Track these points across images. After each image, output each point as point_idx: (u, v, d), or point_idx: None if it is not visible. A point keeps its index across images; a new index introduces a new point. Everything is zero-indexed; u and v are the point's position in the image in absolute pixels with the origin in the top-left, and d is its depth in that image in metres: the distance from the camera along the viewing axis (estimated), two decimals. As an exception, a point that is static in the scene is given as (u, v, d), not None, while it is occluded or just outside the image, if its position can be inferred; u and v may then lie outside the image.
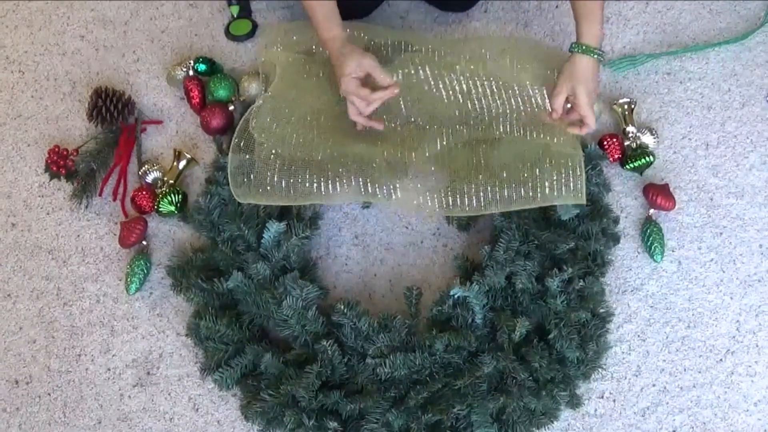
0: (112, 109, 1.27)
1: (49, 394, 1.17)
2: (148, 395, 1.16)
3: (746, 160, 1.23)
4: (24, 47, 1.42)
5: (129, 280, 1.18)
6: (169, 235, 1.24)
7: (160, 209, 1.22)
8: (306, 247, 1.18)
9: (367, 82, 1.11)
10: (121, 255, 1.23)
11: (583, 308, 1.08)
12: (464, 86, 1.21)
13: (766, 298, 1.14)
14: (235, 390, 1.11)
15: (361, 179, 1.12)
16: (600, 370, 1.09)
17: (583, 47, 1.11)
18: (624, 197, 1.21)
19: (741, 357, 1.12)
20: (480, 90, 1.21)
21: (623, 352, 1.12)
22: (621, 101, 1.25)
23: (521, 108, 1.18)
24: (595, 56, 1.11)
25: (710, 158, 1.23)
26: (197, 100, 1.29)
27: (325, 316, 1.11)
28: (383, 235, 1.22)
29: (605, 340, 1.09)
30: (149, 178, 1.25)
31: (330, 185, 1.12)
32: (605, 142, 1.21)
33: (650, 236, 1.15)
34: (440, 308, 1.10)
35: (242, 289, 1.12)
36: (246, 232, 1.14)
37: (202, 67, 1.31)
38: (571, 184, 1.09)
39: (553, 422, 1.06)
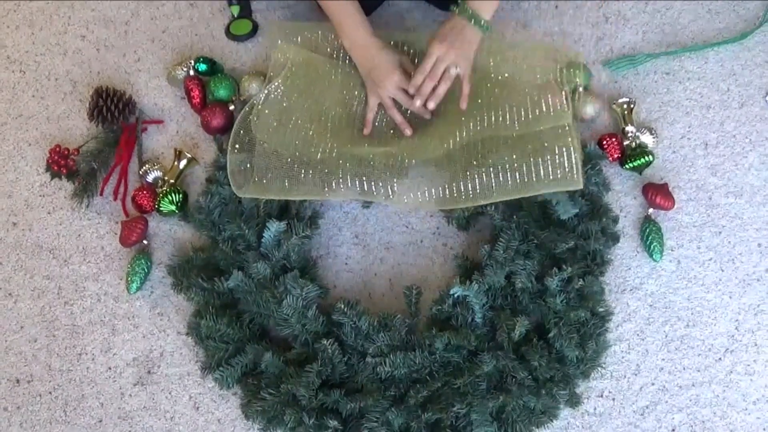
0: (113, 109, 1.27)
1: (50, 393, 1.18)
2: (148, 394, 1.16)
3: (745, 160, 1.23)
4: (25, 47, 1.42)
5: (130, 279, 1.18)
6: (169, 234, 1.24)
7: (161, 208, 1.22)
8: (306, 246, 1.18)
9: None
10: (122, 254, 1.23)
11: (583, 307, 1.08)
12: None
13: (764, 297, 1.15)
14: (236, 389, 1.11)
15: (359, 179, 1.13)
16: (599, 368, 1.09)
17: (463, 7, 1.14)
18: (623, 197, 1.22)
19: (740, 356, 1.12)
20: (481, 90, 1.22)
21: (622, 351, 1.13)
22: (620, 101, 1.25)
23: (521, 106, 1.18)
24: (472, 21, 1.14)
25: (709, 158, 1.23)
26: (198, 99, 1.29)
27: (325, 315, 1.11)
28: (383, 234, 1.22)
29: (604, 339, 1.10)
30: (150, 178, 1.26)
31: (329, 183, 1.13)
32: (604, 142, 1.21)
33: (649, 235, 1.16)
34: (440, 307, 1.11)
35: (243, 289, 1.12)
36: (246, 231, 1.14)
37: (202, 66, 1.32)
38: (567, 169, 1.09)
39: (552, 421, 1.06)
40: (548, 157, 1.10)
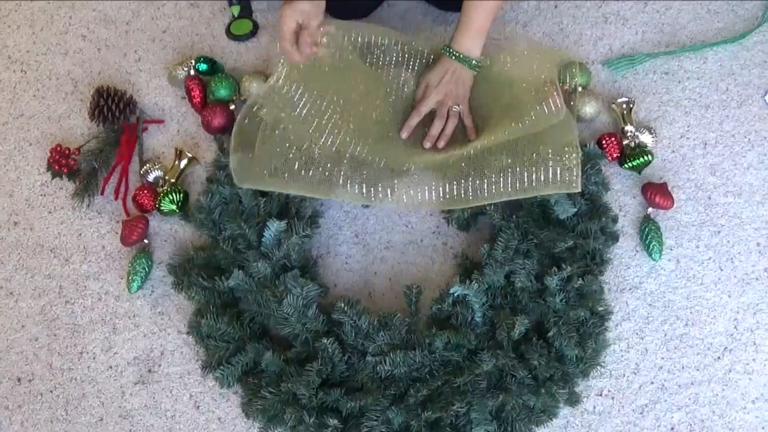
0: (114, 109, 1.27)
1: (51, 392, 1.18)
2: (149, 393, 1.16)
3: (744, 159, 1.23)
4: (26, 47, 1.42)
5: (130, 278, 1.19)
6: (170, 233, 1.25)
7: (162, 208, 1.22)
8: (306, 245, 1.18)
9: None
10: (123, 253, 1.24)
11: (582, 306, 1.08)
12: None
13: (763, 296, 1.15)
14: (236, 388, 1.12)
15: (359, 181, 1.13)
16: (599, 367, 1.09)
17: (450, 51, 1.20)
18: (622, 196, 1.22)
19: (739, 355, 1.12)
20: (481, 90, 1.23)
21: (622, 350, 1.13)
22: (619, 101, 1.25)
23: (521, 110, 1.18)
24: (463, 64, 1.20)
25: (708, 157, 1.24)
26: (198, 99, 1.30)
27: (325, 314, 1.11)
28: (383, 233, 1.23)
29: (604, 338, 1.10)
30: (151, 177, 1.26)
31: (329, 184, 1.13)
32: (604, 141, 1.21)
33: (648, 235, 1.16)
34: (440, 306, 1.11)
35: (243, 288, 1.12)
36: (247, 230, 1.14)
37: (203, 66, 1.32)
38: (566, 173, 1.09)
39: (552, 420, 1.07)
40: (548, 161, 1.10)
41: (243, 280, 1.11)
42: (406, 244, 1.22)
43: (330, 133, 1.18)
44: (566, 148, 1.11)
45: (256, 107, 1.16)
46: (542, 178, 1.09)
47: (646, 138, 1.23)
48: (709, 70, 1.30)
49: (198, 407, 1.15)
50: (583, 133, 1.24)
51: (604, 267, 1.14)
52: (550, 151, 1.11)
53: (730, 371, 1.11)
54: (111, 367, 1.18)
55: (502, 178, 1.11)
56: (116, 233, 1.25)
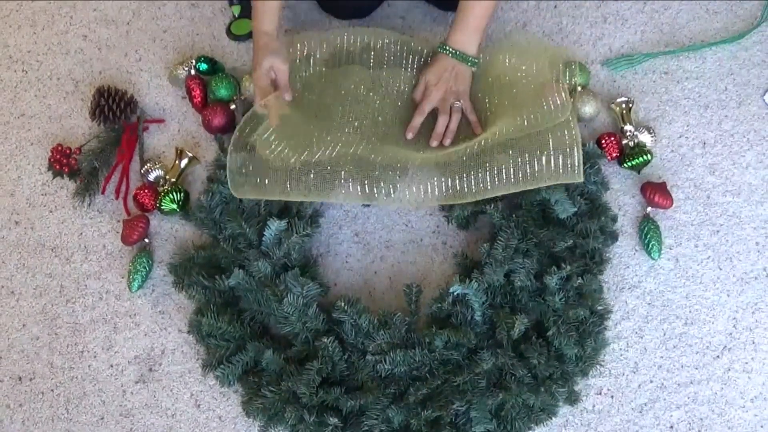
0: (115, 108, 1.28)
1: (52, 391, 1.18)
2: (150, 391, 1.17)
3: (743, 159, 1.24)
4: (27, 46, 1.43)
5: (131, 277, 1.19)
6: (170, 232, 1.25)
7: (162, 207, 1.23)
8: (307, 244, 1.19)
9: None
10: (124, 252, 1.24)
11: (582, 305, 1.08)
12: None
13: (762, 295, 1.15)
14: (237, 386, 1.12)
15: (360, 181, 1.13)
16: (598, 366, 1.10)
17: (447, 48, 1.20)
18: (622, 195, 1.22)
19: (737, 354, 1.12)
20: (483, 86, 1.23)
21: (621, 349, 1.13)
22: (619, 100, 1.25)
23: (522, 108, 1.18)
24: (460, 60, 1.20)
25: (707, 157, 1.24)
26: (199, 99, 1.30)
27: (325, 313, 1.12)
28: (383, 232, 1.23)
29: (603, 337, 1.10)
30: (151, 177, 1.26)
31: (330, 185, 1.13)
32: (603, 141, 1.22)
33: (648, 234, 1.16)
34: (440, 305, 1.11)
35: (243, 287, 1.13)
36: (247, 229, 1.14)
37: (203, 66, 1.32)
38: (568, 163, 1.09)
39: (551, 418, 1.07)
40: (549, 151, 1.10)
41: (243, 279, 1.12)
42: (406, 243, 1.22)
43: (332, 136, 1.18)
44: (567, 139, 1.11)
45: (248, 129, 1.17)
46: (545, 169, 1.09)
47: (645, 137, 1.23)
48: (708, 70, 1.30)
49: (198, 406, 1.15)
50: (582, 133, 1.23)
51: (604, 266, 1.14)
52: (551, 141, 1.11)
53: (729, 370, 1.12)
54: (112, 366, 1.18)
55: (504, 170, 1.11)
56: (117, 232, 1.25)
